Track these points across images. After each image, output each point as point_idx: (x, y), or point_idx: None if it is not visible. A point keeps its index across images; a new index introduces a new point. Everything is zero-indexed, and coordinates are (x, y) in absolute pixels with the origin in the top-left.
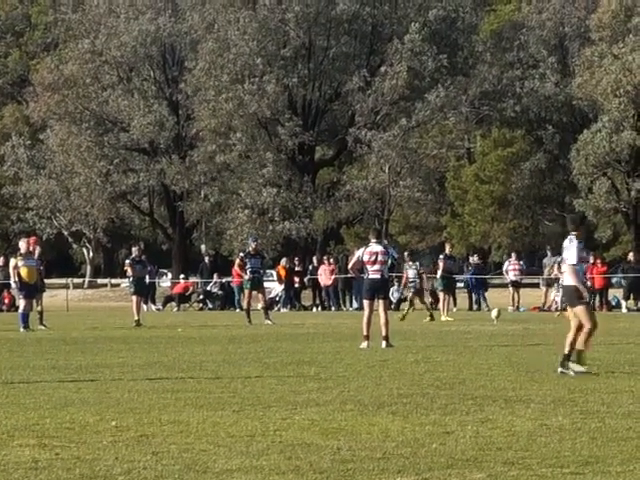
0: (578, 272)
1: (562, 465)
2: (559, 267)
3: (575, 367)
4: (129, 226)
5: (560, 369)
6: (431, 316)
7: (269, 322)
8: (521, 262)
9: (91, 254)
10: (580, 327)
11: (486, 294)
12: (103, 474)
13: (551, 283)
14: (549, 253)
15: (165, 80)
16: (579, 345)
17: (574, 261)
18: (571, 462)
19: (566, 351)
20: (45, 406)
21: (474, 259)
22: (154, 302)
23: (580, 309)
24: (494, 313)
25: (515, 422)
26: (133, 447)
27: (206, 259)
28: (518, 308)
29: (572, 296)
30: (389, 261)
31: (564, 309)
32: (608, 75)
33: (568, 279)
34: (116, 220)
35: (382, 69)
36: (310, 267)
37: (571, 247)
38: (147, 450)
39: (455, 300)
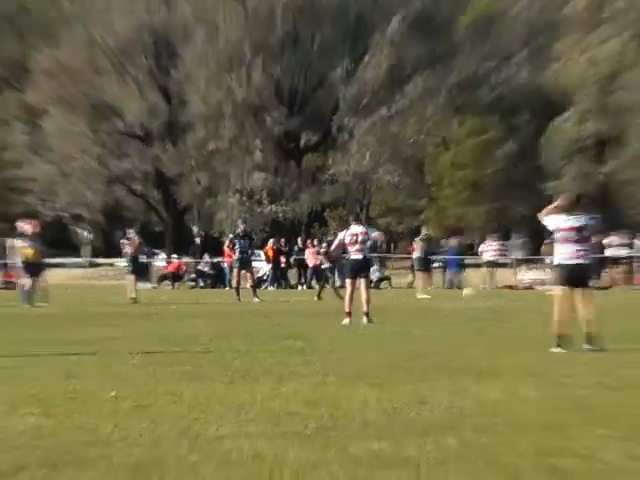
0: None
1: (527, 431)
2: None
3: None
4: (124, 208)
5: (584, 346)
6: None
7: (257, 299)
8: (503, 243)
9: (90, 236)
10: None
11: (463, 274)
12: (103, 440)
13: (520, 263)
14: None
15: (158, 68)
16: (585, 325)
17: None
18: (535, 428)
19: (565, 326)
20: (48, 377)
21: (452, 241)
22: (150, 280)
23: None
24: (466, 291)
25: (486, 392)
26: (131, 416)
27: (197, 240)
28: (490, 286)
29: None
30: (369, 242)
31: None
32: (577, 66)
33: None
34: (112, 203)
35: (365, 59)
36: (295, 248)
37: (555, 223)
38: (144, 418)
39: (431, 279)
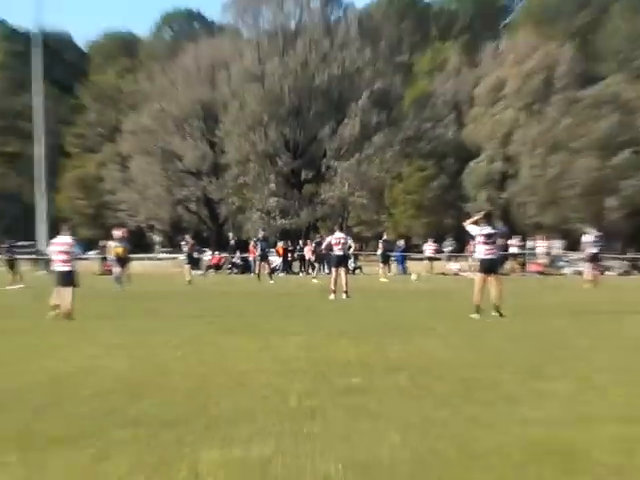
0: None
1: (453, 368)
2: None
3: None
4: (183, 221)
5: (493, 313)
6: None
7: (272, 282)
8: (438, 244)
9: (160, 239)
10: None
11: (407, 264)
12: (169, 370)
13: (449, 257)
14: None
15: (206, 128)
16: (493, 299)
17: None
18: (459, 367)
19: (481, 300)
20: (129, 333)
21: (401, 243)
22: (200, 269)
23: (497, 276)
24: (413, 276)
25: (426, 343)
26: (187, 357)
27: (232, 242)
28: (430, 273)
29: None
30: (347, 243)
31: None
32: (485, 127)
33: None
34: (175, 217)
35: (344, 122)
36: (298, 247)
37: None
38: (195, 359)
39: (389, 268)
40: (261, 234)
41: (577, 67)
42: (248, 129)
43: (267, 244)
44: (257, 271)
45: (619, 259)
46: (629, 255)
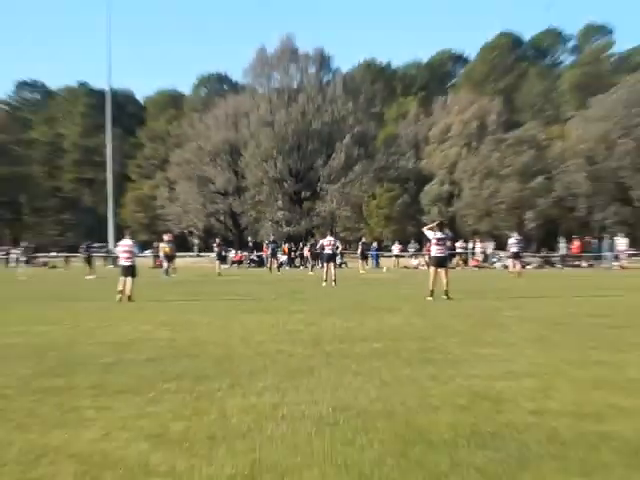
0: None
1: (414, 338)
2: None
3: (429, 298)
4: (214, 228)
5: (443, 297)
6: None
7: (279, 273)
8: (403, 245)
9: (197, 241)
10: (440, 278)
11: (380, 260)
12: (203, 340)
13: (412, 255)
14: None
15: (231, 160)
16: (443, 287)
17: (435, 241)
18: (418, 338)
19: (434, 287)
20: (173, 312)
21: (375, 244)
22: (226, 264)
23: (445, 269)
24: (384, 269)
25: (393, 320)
26: (218, 331)
27: (250, 244)
28: (397, 267)
29: (434, 261)
30: (336, 244)
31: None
32: (437, 159)
33: (435, 251)
34: (208, 226)
35: (332, 156)
36: (298, 248)
37: (430, 234)
38: (222, 332)
39: (367, 263)
40: (271, 238)
41: (503, 116)
42: (262, 161)
43: (276, 245)
44: (269, 265)
45: (535, 256)
46: (542, 254)
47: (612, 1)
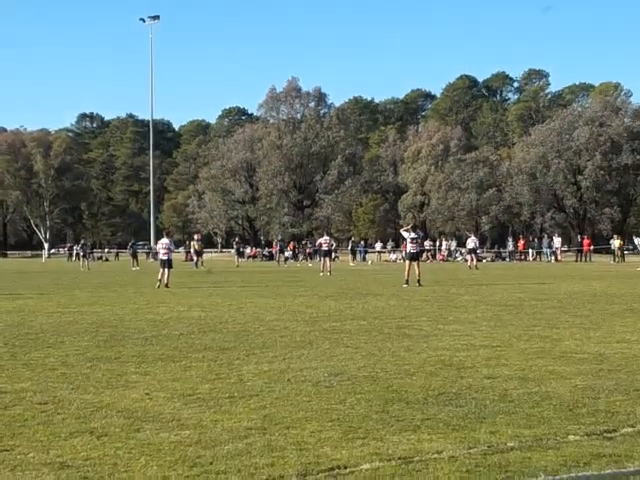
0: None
1: (393, 317)
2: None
3: (405, 286)
4: (234, 230)
5: (416, 285)
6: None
7: (286, 265)
8: (384, 243)
9: (221, 240)
10: (414, 269)
11: (366, 255)
12: (224, 322)
13: (390, 250)
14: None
15: (248, 176)
16: (416, 276)
17: (409, 240)
18: (396, 316)
19: (409, 277)
20: (201, 296)
21: (362, 242)
22: (243, 257)
23: (417, 262)
24: (369, 262)
25: (377, 303)
26: (236, 312)
27: (262, 241)
28: (379, 261)
29: (409, 256)
30: (331, 242)
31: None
32: (410, 175)
33: (409, 248)
34: (229, 228)
35: (327, 173)
36: (301, 245)
37: (406, 234)
38: (240, 312)
39: (355, 258)
40: (279, 237)
41: (463, 141)
42: (272, 176)
43: (283, 243)
44: (277, 259)
45: (489, 252)
46: (494, 250)
47: (549, 50)
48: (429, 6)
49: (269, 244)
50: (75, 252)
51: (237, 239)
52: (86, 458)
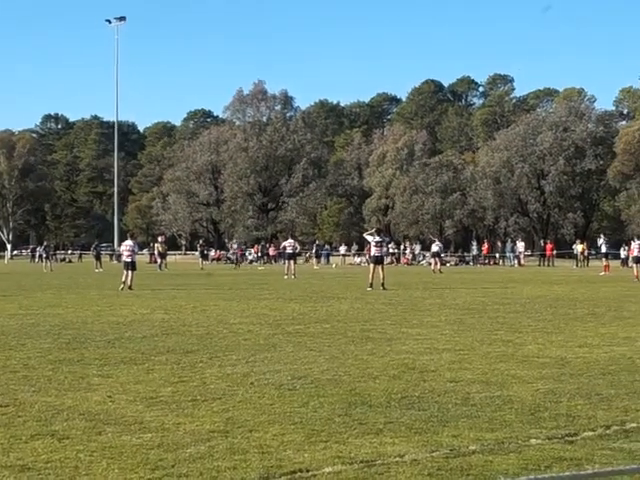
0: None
1: (357, 320)
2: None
3: (369, 289)
4: (198, 232)
5: (380, 288)
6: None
7: (247, 268)
8: (347, 246)
9: (185, 243)
10: (378, 273)
11: (330, 259)
12: (187, 324)
13: (355, 254)
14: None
15: (213, 178)
16: (381, 280)
17: (374, 244)
18: (360, 319)
19: (373, 280)
20: (165, 299)
21: (327, 245)
22: (208, 260)
23: (382, 266)
24: (333, 265)
25: (340, 306)
26: (200, 314)
27: (227, 244)
28: (343, 264)
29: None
30: (295, 245)
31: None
32: (375, 179)
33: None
34: (193, 230)
35: (292, 177)
36: (265, 248)
37: (370, 238)
38: (203, 315)
39: (320, 261)
40: (241, 241)
41: (427, 145)
42: (237, 179)
43: (238, 246)
44: (235, 262)
45: (452, 256)
46: (458, 254)
47: (513, 55)
48: (394, 11)
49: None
50: (38, 254)
51: (201, 241)
52: (47, 461)
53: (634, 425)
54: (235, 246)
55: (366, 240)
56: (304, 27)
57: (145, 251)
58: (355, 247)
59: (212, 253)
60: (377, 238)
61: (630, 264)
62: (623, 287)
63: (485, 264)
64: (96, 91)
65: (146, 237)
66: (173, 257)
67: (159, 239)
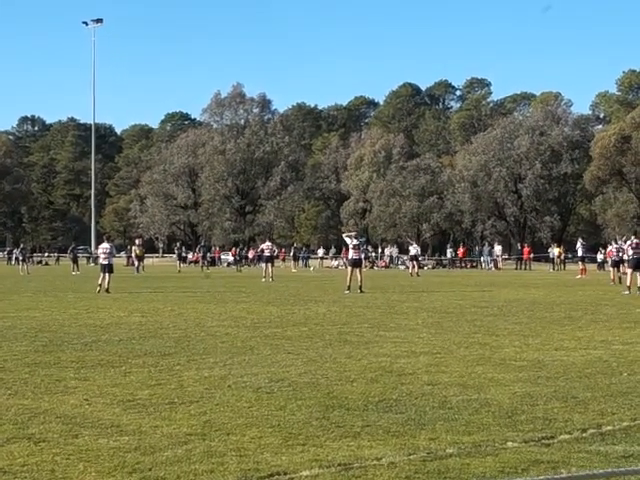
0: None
1: (334, 323)
2: (347, 250)
3: (347, 292)
4: (175, 235)
5: (358, 291)
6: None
7: (209, 271)
8: (327, 249)
9: (162, 245)
10: (356, 276)
11: (308, 261)
12: (164, 328)
13: (333, 257)
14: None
15: (190, 181)
16: (358, 283)
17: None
18: (337, 322)
19: (350, 283)
20: (142, 302)
21: (305, 248)
22: (185, 262)
23: (360, 269)
24: (311, 268)
25: (318, 308)
26: (177, 317)
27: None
28: (321, 267)
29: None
30: (273, 248)
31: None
32: (352, 182)
33: (351, 255)
34: (171, 233)
35: (270, 180)
36: (243, 251)
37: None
38: (181, 318)
39: (298, 263)
40: (202, 242)
41: (405, 148)
42: (215, 181)
43: (206, 249)
44: (201, 265)
45: (430, 259)
46: (435, 257)
47: (490, 59)
48: (372, 14)
49: (209, 249)
50: (14, 256)
51: (179, 244)
52: (23, 464)
53: (610, 428)
54: (202, 248)
55: (344, 242)
56: (282, 30)
57: (122, 254)
58: (333, 250)
59: (190, 256)
60: (355, 241)
61: (607, 267)
62: (599, 290)
63: (462, 267)
64: (73, 93)
65: (123, 240)
66: (151, 260)
67: (136, 242)
